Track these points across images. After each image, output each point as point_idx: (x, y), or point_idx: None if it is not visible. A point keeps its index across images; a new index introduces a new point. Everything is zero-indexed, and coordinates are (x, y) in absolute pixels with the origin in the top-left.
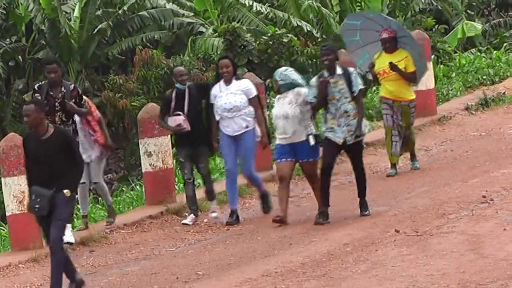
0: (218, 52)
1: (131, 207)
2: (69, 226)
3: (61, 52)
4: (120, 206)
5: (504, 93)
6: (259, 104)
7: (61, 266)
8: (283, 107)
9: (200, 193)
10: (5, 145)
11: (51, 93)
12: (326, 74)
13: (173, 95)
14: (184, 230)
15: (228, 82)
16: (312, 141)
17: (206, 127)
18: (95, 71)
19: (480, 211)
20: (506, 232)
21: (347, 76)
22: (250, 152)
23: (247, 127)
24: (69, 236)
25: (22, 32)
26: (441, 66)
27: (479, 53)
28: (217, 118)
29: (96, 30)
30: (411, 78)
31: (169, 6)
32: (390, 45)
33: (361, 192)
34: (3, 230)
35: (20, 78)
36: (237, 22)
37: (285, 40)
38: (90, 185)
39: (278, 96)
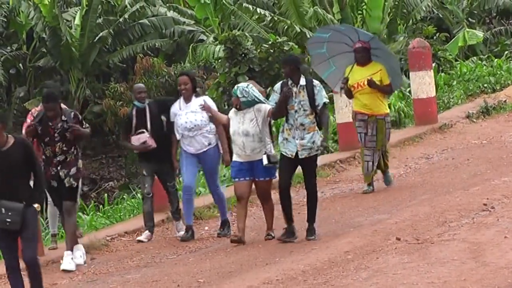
0: (219, 60)
1: (132, 215)
2: (70, 253)
3: (62, 60)
4: (121, 214)
5: (505, 101)
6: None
7: (41, 280)
8: (244, 124)
9: (197, 201)
10: None
11: (50, 124)
12: (289, 82)
13: (134, 113)
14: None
15: (187, 100)
16: (265, 161)
17: (169, 143)
18: (96, 79)
19: (481, 219)
20: (507, 240)
21: (310, 88)
22: (214, 169)
23: (209, 144)
24: (78, 258)
25: (23, 40)
26: (442, 74)
27: (480, 61)
28: (178, 136)
29: (97, 38)
30: (388, 91)
31: (170, 14)
32: (363, 56)
33: (311, 216)
34: None
35: (21, 85)
36: (238, 30)
37: (286, 48)
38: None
39: (235, 111)
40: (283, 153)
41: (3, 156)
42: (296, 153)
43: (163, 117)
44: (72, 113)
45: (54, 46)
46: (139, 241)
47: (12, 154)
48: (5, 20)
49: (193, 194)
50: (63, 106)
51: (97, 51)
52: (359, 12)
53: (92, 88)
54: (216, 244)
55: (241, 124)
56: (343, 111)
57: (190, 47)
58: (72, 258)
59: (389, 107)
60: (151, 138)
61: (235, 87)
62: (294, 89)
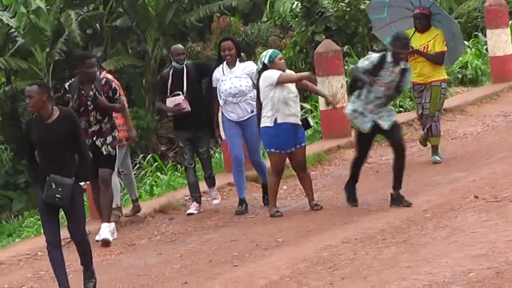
0: (296, 19)
1: None
2: (107, 225)
3: (138, 19)
4: (199, 174)
5: None
6: None
7: (91, 257)
8: (294, 87)
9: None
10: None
11: (83, 92)
12: (389, 59)
13: (170, 74)
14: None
15: (231, 65)
16: (311, 122)
17: (207, 110)
18: (173, 38)
19: None
20: None
21: (403, 72)
22: (256, 138)
23: (252, 111)
24: (107, 233)
25: (99, 0)
26: None
27: None
28: (221, 102)
29: None
30: (438, 60)
31: None
32: (422, 23)
33: (398, 182)
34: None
35: (98, 46)
36: None
37: (362, 6)
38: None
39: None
40: (358, 128)
41: (48, 129)
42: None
43: (202, 82)
44: (104, 80)
45: (131, 6)
46: (189, 214)
47: (57, 127)
48: None
49: (244, 165)
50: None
51: (174, 11)
52: None
53: (169, 48)
54: (294, 203)
55: (292, 86)
56: None
57: (267, 3)
58: (113, 228)
59: (466, 65)
60: (186, 101)
61: (276, 52)
62: (396, 68)
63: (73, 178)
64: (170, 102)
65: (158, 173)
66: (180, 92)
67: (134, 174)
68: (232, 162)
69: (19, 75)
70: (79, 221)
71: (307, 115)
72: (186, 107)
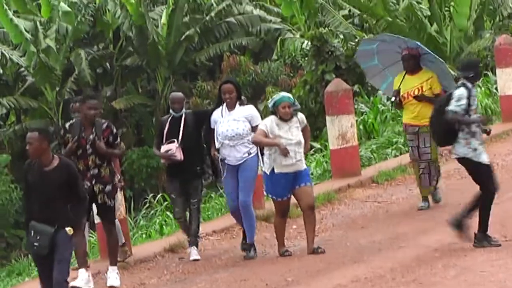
0: (306, 58)
1: (220, 214)
2: (114, 269)
3: (148, 58)
4: (209, 213)
5: None
6: None
7: None
8: (293, 134)
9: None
10: None
11: (83, 135)
12: (469, 85)
13: (168, 120)
14: (273, 236)
15: (231, 108)
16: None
17: (203, 160)
18: (183, 77)
19: None
20: None
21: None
22: (250, 180)
23: (249, 154)
24: (114, 279)
25: (109, 39)
26: None
27: None
28: (217, 145)
29: (183, 36)
30: None
31: (257, 12)
32: (412, 63)
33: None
34: (92, 237)
35: (108, 85)
36: (325, 27)
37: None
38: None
39: (279, 122)
40: (486, 161)
41: (45, 176)
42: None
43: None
44: (105, 124)
45: (141, 45)
46: (194, 260)
47: (55, 175)
48: (92, 19)
49: (251, 207)
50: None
51: (184, 50)
52: (447, 8)
53: (179, 87)
54: (304, 242)
55: (289, 133)
56: None
57: (278, 41)
58: (117, 273)
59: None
60: (179, 149)
61: (284, 95)
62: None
63: (58, 226)
64: (164, 149)
65: (168, 212)
66: (175, 140)
67: (144, 213)
68: (231, 212)
69: (29, 114)
70: (60, 264)
71: (317, 154)
72: (178, 155)
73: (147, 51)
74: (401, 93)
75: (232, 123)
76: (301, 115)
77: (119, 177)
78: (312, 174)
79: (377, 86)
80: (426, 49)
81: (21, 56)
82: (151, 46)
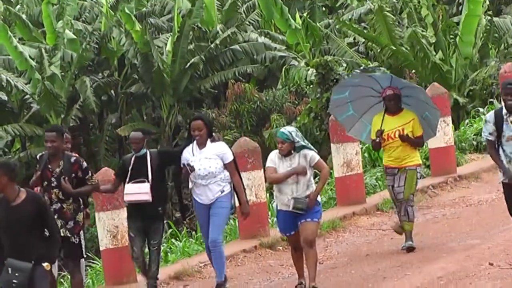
0: (311, 86)
1: (224, 241)
2: None
3: (153, 86)
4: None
5: None
6: (235, 169)
7: None
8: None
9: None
10: (98, 179)
11: (49, 166)
12: (504, 111)
13: (132, 160)
14: (278, 263)
15: (201, 146)
16: (290, 206)
17: (166, 198)
18: (188, 105)
19: None
20: None
21: None
22: (222, 218)
23: (222, 192)
24: None
25: (114, 67)
26: None
27: None
28: (190, 185)
29: (188, 64)
30: (420, 144)
31: (261, 40)
32: (395, 103)
33: None
34: (98, 264)
35: (113, 112)
36: (330, 55)
37: (377, 73)
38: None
39: (280, 158)
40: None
41: (13, 211)
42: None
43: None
44: (73, 158)
45: (146, 72)
46: None
47: (23, 210)
48: (97, 46)
49: (221, 245)
50: (73, 153)
51: (189, 77)
52: (452, 36)
53: (184, 114)
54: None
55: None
56: (437, 135)
57: (282, 70)
58: None
59: (481, 132)
60: (149, 190)
61: (285, 131)
62: (510, 118)
63: (34, 262)
64: (135, 188)
65: (173, 240)
66: (145, 180)
67: None
68: (209, 246)
69: (34, 141)
70: None
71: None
72: (149, 196)
73: (152, 78)
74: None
75: (204, 162)
76: (307, 153)
77: (86, 213)
78: None
79: (358, 137)
80: (402, 81)
81: (26, 83)
82: (156, 73)
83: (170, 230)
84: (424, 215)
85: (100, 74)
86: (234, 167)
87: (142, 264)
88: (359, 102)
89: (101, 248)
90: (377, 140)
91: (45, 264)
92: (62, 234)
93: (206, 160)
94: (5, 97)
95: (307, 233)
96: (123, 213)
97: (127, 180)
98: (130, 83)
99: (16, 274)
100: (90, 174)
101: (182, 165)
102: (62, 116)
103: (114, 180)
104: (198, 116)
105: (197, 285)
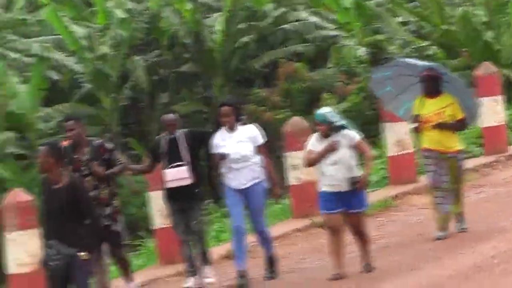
0: (362, 65)
1: (277, 220)
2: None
3: (204, 65)
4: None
5: None
6: (267, 152)
7: None
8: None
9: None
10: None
11: (76, 156)
12: None
13: (166, 142)
14: None
15: (231, 130)
16: (349, 186)
17: (202, 179)
18: (239, 84)
19: None
20: None
21: None
22: (260, 206)
23: (256, 178)
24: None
25: (165, 46)
26: None
27: None
28: (222, 170)
29: (239, 43)
30: (460, 127)
31: (312, 19)
32: (431, 86)
33: None
34: (151, 244)
35: (164, 92)
36: (381, 34)
37: (429, 52)
38: None
39: (320, 139)
40: None
41: (54, 195)
42: None
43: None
44: (97, 142)
45: (197, 52)
46: (209, 283)
47: (62, 194)
48: (148, 26)
49: (245, 234)
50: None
51: (239, 57)
52: (503, 16)
53: (235, 94)
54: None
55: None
56: (488, 114)
57: (333, 49)
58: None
59: None
60: (189, 172)
61: (320, 112)
62: None
63: (73, 248)
64: (174, 173)
65: (225, 219)
66: (183, 163)
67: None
68: (234, 232)
69: (86, 120)
70: None
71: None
72: (191, 178)
73: (202, 58)
74: (421, 118)
75: (235, 146)
76: (347, 133)
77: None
78: (369, 181)
79: (395, 112)
80: (444, 69)
81: (77, 63)
82: (207, 53)
83: (223, 209)
84: (476, 194)
85: (151, 53)
86: (265, 150)
87: (187, 246)
88: (398, 81)
89: (154, 228)
90: (415, 126)
91: (82, 253)
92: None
93: (238, 144)
94: (56, 77)
95: (354, 226)
96: None
97: (165, 164)
98: (181, 62)
99: (53, 258)
100: (116, 156)
101: (213, 153)
102: (113, 95)
103: (148, 161)
104: (225, 102)
105: (249, 264)
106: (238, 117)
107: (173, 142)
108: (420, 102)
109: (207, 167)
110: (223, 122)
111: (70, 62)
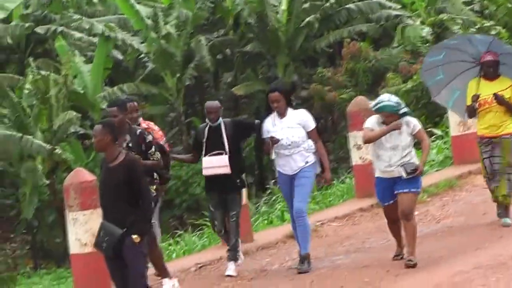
0: (426, 44)
1: (341, 200)
2: (165, 281)
3: (268, 45)
4: (331, 199)
5: None
6: (318, 136)
7: None
8: (391, 137)
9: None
10: (159, 157)
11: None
12: None
13: (206, 131)
14: None
15: (282, 115)
16: (404, 174)
17: (243, 169)
18: (303, 64)
19: None
20: None
21: None
22: (306, 187)
23: (306, 163)
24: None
25: (229, 26)
26: None
27: None
28: (273, 156)
29: (303, 23)
30: None
31: None
32: (494, 70)
33: None
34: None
35: (228, 71)
36: (445, 14)
37: (493, 32)
38: None
39: (380, 124)
40: None
41: (109, 173)
42: None
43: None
44: (138, 131)
45: (261, 32)
46: (229, 275)
47: (116, 172)
48: (212, 5)
49: (306, 217)
50: (138, 126)
51: (304, 36)
52: None
53: (299, 73)
54: (425, 229)
55: (388, 137)
56: None
57: (397, 29)
58: (173, 285)
59: None
60: (228, 161)
61: (392, 102)
62: None
63: (125, 230)
64: (210, 160)
65: None
66: (223, 152)
67: (265, 200)
68: (294, 215)
69: (150, 100)
70: (132, 276)
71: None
72: (227, 170)
73: (267, 37)
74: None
75: (286, 131)
76: (410, 120)
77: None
78: (433, 160)
79: (444, 104)
80: (505, 46)
81: (141, 43)
82: (271, 32)
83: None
84: None
85: (215, 33)
86: (316, 134)
87: (225, 236)
88: (450, 66)
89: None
90: (474, 105)
91: (134, 236)
92: None
93: (289, 129)
94: (120, 56)
95: (404, 206)
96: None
97: (204, 152)
98: (245, 42)
99: (106, 238)
100: (153, 149)
101: (265, 138)
102: (178, 75)
103: (193, 151)
104: (274, 87)
105: (314, 244)
106: (288, 102)
107: (215, 131)
108: (476, 84)
109: (257, 154)
110: (273, 108)
111: (135, 41)
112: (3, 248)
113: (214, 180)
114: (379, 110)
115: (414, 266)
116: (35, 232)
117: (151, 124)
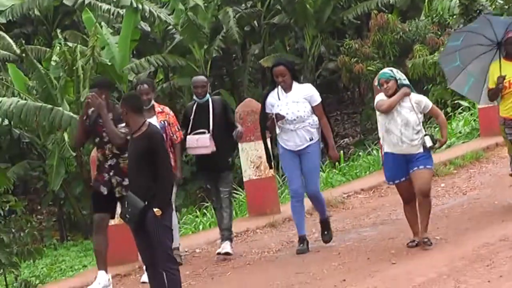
0: (454, 16)
1: (368, 172)
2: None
3: (296, 16)
4: (357, 171)
5: None
6: (323, 112)
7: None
8: (402, 113)
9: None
10: (242, 110)
11: (99, 121)
12: None
13: (193, 108)
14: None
15: (287, 90)
16: (428, 143)
17: (234, 148)
18: (331, 35)
19: None
20: None
21: None
22: (315, 168)
23: (311, 139)
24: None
25: None
26: None
27: None
28: (277, 130)
29: None
30: None
31: None
32: None
33: None
34: (241, 195)
35: (256, 43)
36: None
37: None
38: None
39: (387, 98)
40: None
41: (132, 144)
42: None
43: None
44: (120, 112)
45: (289, 3)
46: (226, 253)
47: (137, 143)
48: None
49: (303, 199)
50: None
51: (332, 8)
52: None
53: (327, 45)
54: (452, 200)
55: (400, 110)
56: None
57: (425, 1)
58: (99, 283)
59: None
60: (212, 141)
61: (386, 70)
62: None
63: (147, 202)
64: (193, 141)
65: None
66: (206, 131)
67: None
68: (291, 196)
69: (177, 72)
70: (157, 249)
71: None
72: (212, 147)
73: (295, 9)
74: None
75: (291, 106)
76: (420, 100)
77: None
78: (460, 132)
79: (459, 91)
80: None
81: (169, 14)
82: (299, 4)
83: None
84: None
85: (243, 5)
86: (321, 110)
87: (219, 215)
88: (466, 51)
89: (244, 179)
90: (500, 86)
91: (155, 210)
92: (117, 194)
93: (294, 104)
94: (148, 28)
95: (422, 182)
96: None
97: (190, 130)
98: (273, 13)
99: (130, 209)
100: (123, 124)
101: (268, 113)
102: (205, 46)
103: (182, 129)
104: (279, 61)
105: (341, 216)
106: (293, 77)
107: (201, 108)
108: (498, 66)
109: (262, 131)
110: (279, 82)
111: (162, 13)
112: (29, 220)
113: (203, 159)
114: (379, 80)
115: (430, 244)
116: (62, 204)
117: (166, 109)
